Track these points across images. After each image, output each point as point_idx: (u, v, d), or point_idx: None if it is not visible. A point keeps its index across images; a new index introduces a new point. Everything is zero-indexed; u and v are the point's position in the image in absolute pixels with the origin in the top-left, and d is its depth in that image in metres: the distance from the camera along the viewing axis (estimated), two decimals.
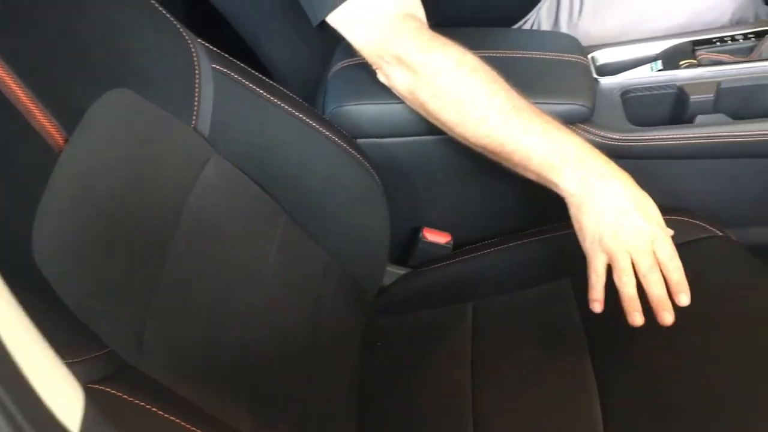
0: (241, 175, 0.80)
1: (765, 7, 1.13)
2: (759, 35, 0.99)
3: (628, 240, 0.76)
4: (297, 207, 0.86)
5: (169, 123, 0.72)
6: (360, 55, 0.89)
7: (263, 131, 0.83)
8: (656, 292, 0.76)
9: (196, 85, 0.76)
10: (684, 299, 0.76)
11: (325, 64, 1.00)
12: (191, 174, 0.73)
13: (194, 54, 0.76)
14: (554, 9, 1.15)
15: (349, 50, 0.90)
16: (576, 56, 0.98)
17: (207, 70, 0.77)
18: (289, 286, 0.83)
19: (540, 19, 1.16)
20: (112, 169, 0.64)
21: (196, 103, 0.75)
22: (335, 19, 0.87)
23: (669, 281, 0.77)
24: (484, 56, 0.84)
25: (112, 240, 0.62)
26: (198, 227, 0.71)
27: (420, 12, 0.88)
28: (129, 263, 0.63)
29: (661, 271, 0.77)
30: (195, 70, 0.76)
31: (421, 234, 1.03)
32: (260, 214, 0.82)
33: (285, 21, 1.05)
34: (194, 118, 0.75)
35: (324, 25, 0.88)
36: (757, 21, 1.10)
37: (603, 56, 1.03)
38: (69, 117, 0.60)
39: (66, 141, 0.60)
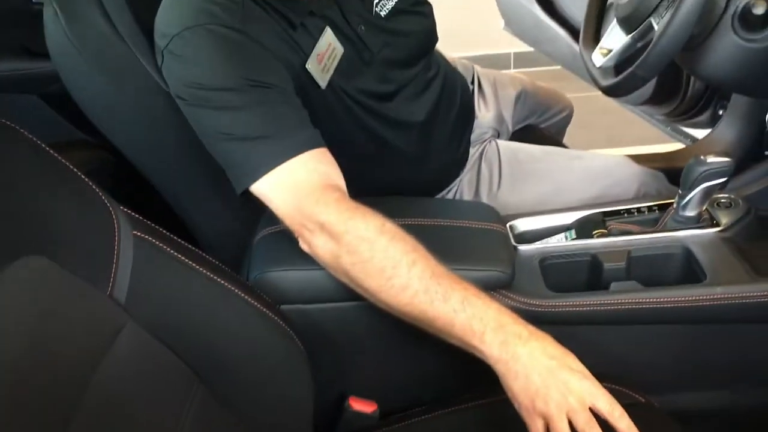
0: (156, 343, 0.77)
1: (667, 184, 1.22)
2: (662, 208, 1.07)
3: (560, 400, 0.76)
4: (215, 376, 0.82)
5: (83, 291, 0.70)
6: (283, 223, 0.91)
7: (182, 298, 0.81)
8: None
9: (116, 252, 0.75)
10: None
11: (251, 230, 1.02)
12: (102, 344, 0.70)
13: (115, 221, 0.76)
14: (475, 181, 1.22)
15: (273, 217, 0.92)
16: (495, 225, 1.02)
17: (127, 237, 0.77)
18: None
19: (462, 189, 1.22)
20: (14, 340, 0.61)
21: (113, 270, 0.74)
22: (259, 188, 0.89)
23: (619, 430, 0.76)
24: (406, 224, 0.87)
25: (8, 421, 0.57)
26: (104, 402, 0.67)
27: (341, 182, 0.91)
28: None
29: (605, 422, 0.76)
30: (115, 236, 0.75)
31: (346, 403, 1.00)
32: (174, 384, 0.78)
33: (211, 188, 1.07)
34: (110, 285, 0.73)
35: (248, 192, 0.91)
36: (660, 195, 1.18)
37: (521, 225, 1.08)
38: None
39: None
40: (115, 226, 0.76)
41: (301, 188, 0.88)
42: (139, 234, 0.78)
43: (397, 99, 1.09)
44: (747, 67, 1.08)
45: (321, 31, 0.98)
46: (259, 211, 0.97)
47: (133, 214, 0.80)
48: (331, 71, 1.00)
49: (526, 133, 1.41)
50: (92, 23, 0.96)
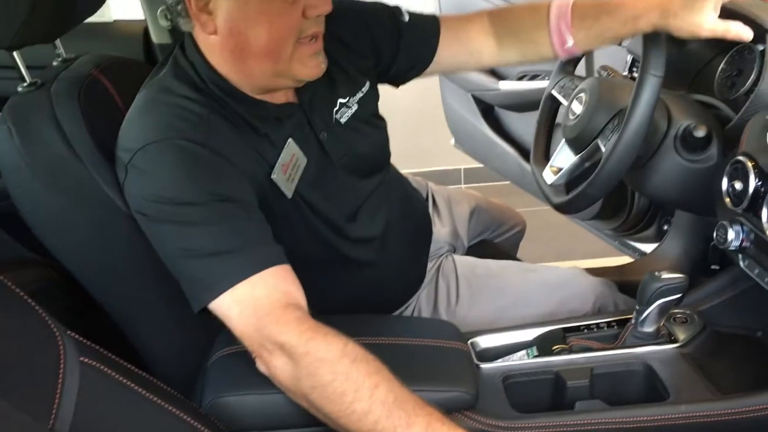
0: None
1: (621, 296, 1.24)
2: (621, 323, 1.07)
3: None
4: None
5: (23, 424, 0.65)
6: (241, 343, 0.88)
7: (131, 428, 0.76)
8: None
9: (60, 381, 0.70)
10: None
11: (205, 352, 0.98)
12: None
13: (61, 347, 0.72)
14: (433, 296, 1.21)
15: (230, 338, 0.89)
16: (456, 343, 1.01)
17: (74, 365, 0.72)
18: None
19: (420, 305, 1.21)
20: None
21: (56, 402, 0.69)
22: (218, 305, 0.87)
23: None
24: (367, 344, 0.85)
25: None
26: None
27: (302, 301, 0.89)
28: None
29: None
30: (60, 364, 0.71)
31: None
32: None
33: (166, 307, 1.03)
34: (53, 418, 0.68)
35: (206, 311, 0.88)
36: (617, 309, 1.19)
37: (482, 342, 1.07)
38: None
39: None
40: (61, 352, 0.72)
41: (262, 306, 0.86)
42: (86, 361, 0.74)
43: (358, 216, 1.09)
44: (689, 186, 1.13)
45: (285, 141, 0.99)
46: (215, 331, 0.94)
47: (80, 339, 0.76)
48: (296, 181, 1.00)
49: (480, 249, 1.43)
50: (48, 143, 0.94)
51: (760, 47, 1.08)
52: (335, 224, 1.05)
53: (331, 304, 1.03)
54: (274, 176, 0.97)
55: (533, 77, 1.83)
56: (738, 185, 0.97)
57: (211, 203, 0.88)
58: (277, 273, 0.89)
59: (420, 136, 2.75)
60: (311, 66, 0.97)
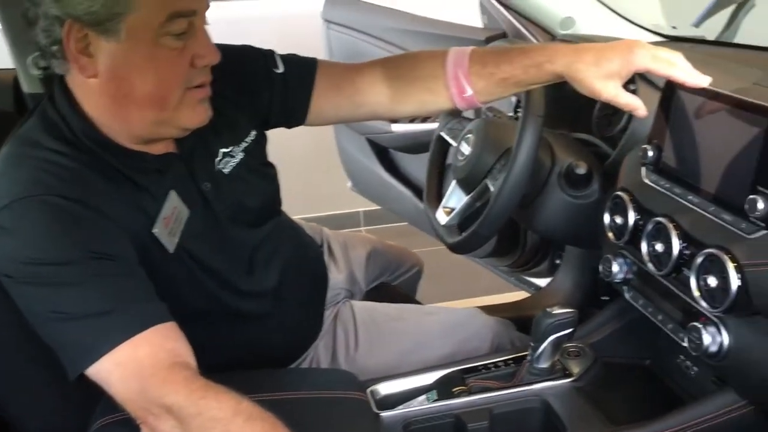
0: None
1: (518, 333, 1.25)
2: (517, 361, 1.08)
3: None
4: None
5: None
6: (124, 410, 0.82)
7: None
8: None
9: None
10: None
11: (85, 421, 0.91)
12: None
13: None
14: (331, 345, 1.18)
15: (112, 405, 0.83)
16: (354, 393, 0.98)
17: None
18: None
19: (318, 355, 1.18)
20: None
21: None
22: (97, 371, 0.81)
23: None
24: (261, 400, 0.81)
25: None
26: None
27: (190, 359, 0.84)
28: None
29: None
30: None
31: None
32: None
33: (39, 375, 0.95)
34: None
35: (84, 377, 0.82)
36: (514, 346, 1.21)
37: (382, 389, 1.05)
38: None
39: None
40: None
41: (145, 368, 0.81)
42: None
43: (251, 268, 1.05)
44: (575, 221, 1.17)
45: (165, 194, 0.94)
46: (95, 398, 0.87)
47: None
48: (178, 234, 0.96)
49: (379, 292, 1.41)
50: None
51: (632, 86, 1.14)
52: (224, 277, 1.01)
53: (224, 360, 0.98)
54: (155, 230, 0.92)
55: (425, 119, 1.86)
56: (618, 219, 1.01)
57: (86, 261, 0.82)
58: (162, 331, 0.84)
59: (317, 181, 2.74)
60: (199, 112, 0.93)
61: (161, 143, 0.97)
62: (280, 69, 1.09)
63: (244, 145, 1.06)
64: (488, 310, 1.32)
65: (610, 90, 0.94)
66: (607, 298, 1.34)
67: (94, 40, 0.84)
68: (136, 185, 0.92)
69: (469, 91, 1.04)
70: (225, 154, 1.03)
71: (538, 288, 1.71)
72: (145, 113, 0.90)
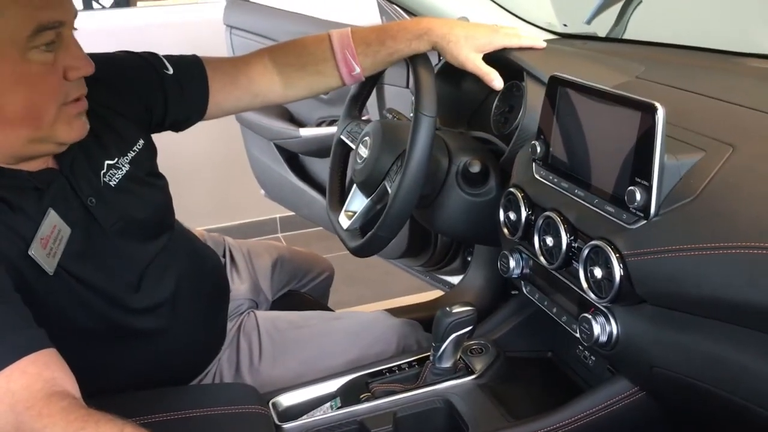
0: None
1: (424, 333, 1.25)
2: (421, 362, 1.08)
3: None
4: None
5: None
6: None
7: None
8: None
9: None
10: None
11: None
12: None
13: None
14: (235, 358, 1.15)
15: None
16: (254, 407, 0.95)
17: None
18: None
19: (221, 369, 1.14)
20: None
21: None
22: None
23: None
24: (152, 423, 0.81)
25: None
26: None
27: (71, 387, 0.79)
28: None
29: None
30: None
31: None
32: None
33: None
34: None
35: None
36: (420, 347, 1.20)
37: (284, 401, 1.03)
38: None
39: None
40: None
41: (20, 400, 0.75)
42: None
43: (141, 284, 1.01)
44: (475, 219, 1.18)
45: (44, 212, 0.89)
46: None
47: None
48: (59, 255, 0.90)
49: (287, 300, 1.39)
50: None
51: (522, 83, 1.15)
52: (112, 296, 0.96)
53: (119, 382, 0.94)
54: (31, 252, 0.87)
55: (332, 122, 1.85)
56: (512, 215, 1.02)
57: None
58: (38, 360, 0.78)
59: (230, 189, 2.68)
60: (76, 127, 0.90)
61: (40, 159, 0.92)
62: (170, 70, 1.09)
63: (131, 155, 1.02)
64: (399, 311, 1.32)
65: (476, 61, 1.13)
66: (516, 292, 1.36)
67: None
68: (10, 206, 0.87)
69: (358, 70, 1.15)
70: (110, 167, 0.99)
71: (452, 286, 1.72)
72: (18, 132, 0.86)
